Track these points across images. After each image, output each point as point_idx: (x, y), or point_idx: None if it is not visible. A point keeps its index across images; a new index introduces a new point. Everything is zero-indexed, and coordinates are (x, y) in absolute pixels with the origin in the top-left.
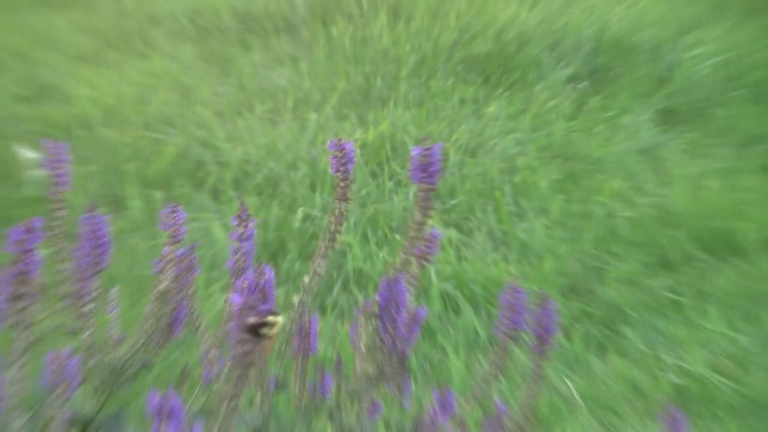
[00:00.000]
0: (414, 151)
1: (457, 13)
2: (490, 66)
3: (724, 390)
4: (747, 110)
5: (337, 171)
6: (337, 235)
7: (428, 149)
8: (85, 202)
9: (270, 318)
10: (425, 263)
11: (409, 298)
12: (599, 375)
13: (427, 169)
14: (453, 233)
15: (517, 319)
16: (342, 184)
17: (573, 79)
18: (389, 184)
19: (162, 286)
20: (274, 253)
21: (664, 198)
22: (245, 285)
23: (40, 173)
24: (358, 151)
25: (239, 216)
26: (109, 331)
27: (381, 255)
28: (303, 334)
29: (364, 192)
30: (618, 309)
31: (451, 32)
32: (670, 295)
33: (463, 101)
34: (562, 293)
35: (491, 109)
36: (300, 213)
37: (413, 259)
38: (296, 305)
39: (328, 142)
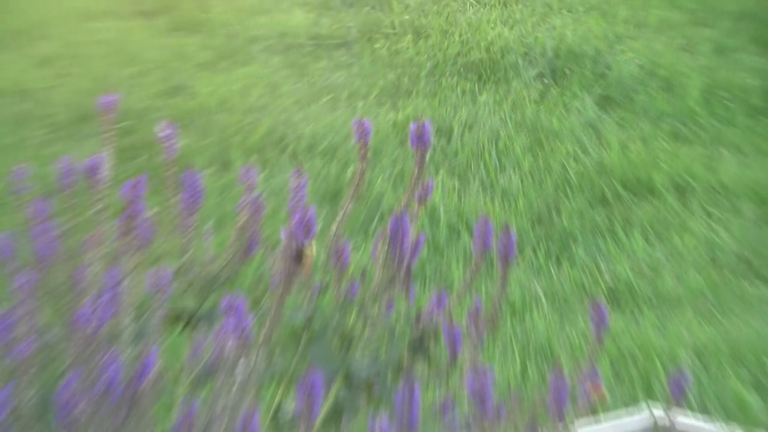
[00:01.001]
0: (412, 126)
1: (459, 32)
2: (482, 68)
3: (644, 288)
4: (659, 96)
5: (359, 140)
6: (361, 185)
7: (422, 125)
8: (204, 164)
9: (307, 247)
10: (424, 203)
11: (411, 228)
12: (556, 279)
13: (421, 138)
14: (456, 182)
15: (488, 241)
16: (362, 150)
17: (539, 76)
18: (411, 150)
19: (242, 221)
20: (333, 197)
21: (602, 156)
22: (296, 219)
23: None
24: (390, 127)
25: (295, 172)
26: (205, 252)
27: (404, 199)
28: (338, 254)
29: (394, 155)
30: (570, 233)
31: (455, 45)
32: (606, 224)
33: (463, 92)
34: (531, 222)
35: (483, 97)
36: (350, 170)
37: (414, 201)
38: (333, 233)
39: (353, 121)
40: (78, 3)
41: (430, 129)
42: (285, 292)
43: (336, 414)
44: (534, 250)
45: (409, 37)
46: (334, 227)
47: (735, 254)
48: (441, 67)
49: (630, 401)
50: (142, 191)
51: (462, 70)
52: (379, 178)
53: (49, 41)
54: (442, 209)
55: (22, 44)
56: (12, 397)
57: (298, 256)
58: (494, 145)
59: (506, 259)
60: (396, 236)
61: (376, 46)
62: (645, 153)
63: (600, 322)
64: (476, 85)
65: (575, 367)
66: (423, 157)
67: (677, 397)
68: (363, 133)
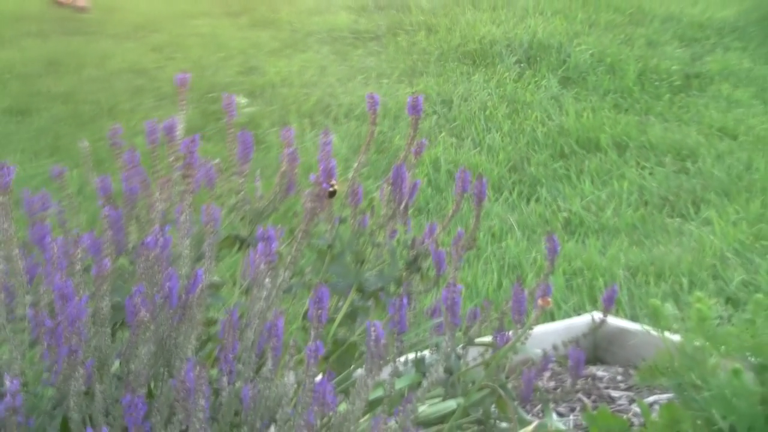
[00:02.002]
0: (408, 99)
1: (460, 29)
2: (476, 56)
3: (590, 221)
4: (605, 77)
5: (370, 109)
6: (371, 143)
7: (416, 98)
8: (269, 125)
9: (336, 186)
10: (419, 156)
11: (409, 176)
12: (526, 213)
13: (415, 108)
14: (454, 140)
15: (466, 185)
16: (372, 116)
17: (518, 62)
18: (424, 115)
19: (282, 169)
20: None
21: (562, 121)
22: (322, 167)
23: (247, 110)
24: (407, 99)
25: (323, 132)
26: (256, 192)
27: None
28: (354, 194)
29: (406, 120)
30: (537, 178)
31: (456, 39)
32: (564, 172)
33: (462, 74)
34: (508, 170)
35: (475, 77)
36: (377, 130)
37: (411, 155)
38: (350, 178)
39: (366, 94)
40: (182, 5)
41: (423, 101)
42: (309, 227)
43: (352, 315)
44: (510, 191)
45: (423, 32)
46: (350, 174)
47: (659, 195)
48: (446, 55)
49: (579, 307)
50: (197, 146)
51: (461, 57)
52: (398, 136)
53: (160, 33)
54: (443, 160)
55: (140, 36)
56: (93, 302)
57: (330, 194)
58: (483, 113)
59: (479, 200)
60: (396, 181)
61: (399, 39)
62: (594, 119)
63: (552, 249)
64: (471, 68)
65: (537, 279)
66: (417, 122)
67: (609, 306)
68: (373, 104)
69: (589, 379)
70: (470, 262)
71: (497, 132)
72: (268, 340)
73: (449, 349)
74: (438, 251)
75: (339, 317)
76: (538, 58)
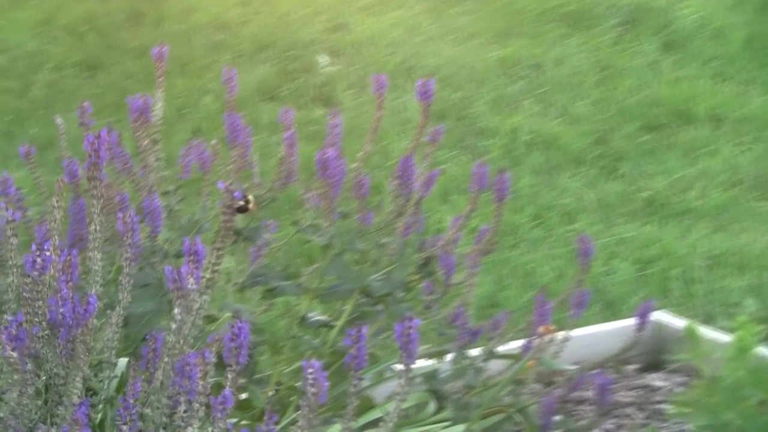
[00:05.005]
0: (418, 82)
1: None
2: (576, 17)
3: (674, 202)
4: (710, 43)
5: (376, 92)
6: (377, 129)
7: (427, 82)
8: (346, 86)
9: (249, 198)
10: (435, 144)
11: (423, 166)
12: (605, 191)
13: (425, 94)
14: (539, 107)
15: (484, 182)
16: (379, 100)
17: (618, 24)
18: (511, 79)
19: (282, 154)
20: (439, 117)
21: (657, 90)
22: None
23: (326, 70)
24: (495, 61)
25: (332, 113)
26: (253, 179)
27: (495, 119)
28: (359, 188)
29: (494, 83)
30: (620, 154)
31: None
32: (652, 146)
33: (557, 36)
34: (593, 142)
35: (571, 40)
36: (458, 94)
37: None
38: (355, 168)
39: (372, 76)
40: None
41: (433, 87)
42: (224, 243)
43: (359, 319)
44: (590, 166)
45: None
46: (354, 164)
47: (753, 176)
48: (544, 15)
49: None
50: (105, 143)
51: (559, 18)
52: (479, 102)
53: None
54: (525, 129)
55: None
56: None
57: (240, 210)
58: (574, 78)
59: (500, 197)
60: (404, 175)
61: None
62: (691, 89)
63: (585, 252)
64: (568, 30)
65: (605, 267)
66: (428, 109)
67: (643, 323)
68: (379, 86)
69: (644, 390)
70: (534, 246)
71: (586, 100)
72: (180, 382)
73: (401, 400)
74: (447, 256)
75: (339, 324)
76: (639, 21)
